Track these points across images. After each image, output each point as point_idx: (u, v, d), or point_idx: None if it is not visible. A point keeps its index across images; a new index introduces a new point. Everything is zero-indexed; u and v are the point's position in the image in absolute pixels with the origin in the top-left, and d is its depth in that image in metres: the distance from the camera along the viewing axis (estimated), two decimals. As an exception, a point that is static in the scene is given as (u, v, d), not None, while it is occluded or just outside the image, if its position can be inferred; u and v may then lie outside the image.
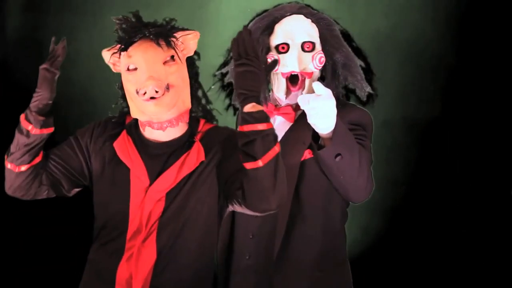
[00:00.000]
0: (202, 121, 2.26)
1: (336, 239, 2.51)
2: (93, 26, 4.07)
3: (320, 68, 2.49)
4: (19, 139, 2.30)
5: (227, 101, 2.68)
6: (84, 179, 2.30)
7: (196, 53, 2.24)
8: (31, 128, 2.26)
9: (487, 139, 4.04)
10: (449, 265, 4.08)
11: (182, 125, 2.22)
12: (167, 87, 2.13)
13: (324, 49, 2.49)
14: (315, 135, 2.29)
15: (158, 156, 2.20)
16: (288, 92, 2.49)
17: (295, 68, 2.45)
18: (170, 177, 2.17)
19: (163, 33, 2.16)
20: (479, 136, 4.05)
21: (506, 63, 4.01)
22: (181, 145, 2.21)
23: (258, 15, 2.58)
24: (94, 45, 4.08)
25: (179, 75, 2.17)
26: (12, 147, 2.31)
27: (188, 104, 2.20)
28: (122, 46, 2.16)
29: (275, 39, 2.49)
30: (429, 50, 4.10)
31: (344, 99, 2.56)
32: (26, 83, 4.17)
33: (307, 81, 2.47)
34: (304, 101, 2.20)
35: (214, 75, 2.65)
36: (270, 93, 2.58)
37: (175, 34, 2.18)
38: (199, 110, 2.26)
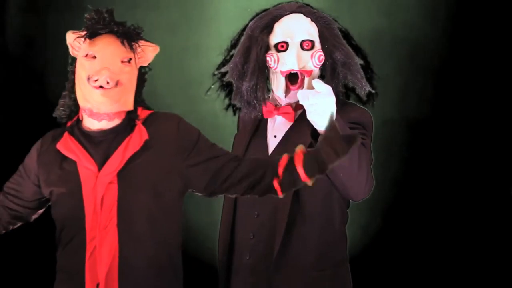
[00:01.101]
0: (139, 108, 2.35)
1: (336, 239, 2.51)
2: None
3: (319, 66, 2.49)
4: None
5: (226, 101, 2.68)
6: (42, 198, 2.39)
7: (148, 66, 2.36)
8: None
9: (487, 139, 4.04)
10: (449, 265, 4.07)
11: (117, 120, 2.31)
12: (117, 83, 2.23)
13: (323, 48, 2.49)
14: (315, 133, 2.29)
15: (102, 143, 2.29)
16: (287, 91, 2.49)
17: (294, 66, 2.45)
18: (117, 159, 2.25)
19: (129, 35, 2.28)
20: (479, 136, 4.04)
21: (506, 63, 4.01)
22: (122, 130, 2.30)
23: (257, 14, 2.58)
24: (94, 45, 4.10)
25: (130, 78, 2.27)
26: None
27: (129, 106, 2.30)
28: (89, 33, 2.26)
29: (274, 38, 2.49)
30: (429, 50, 4.09)
31: (344, 98, 2.56)
32: (26, 83, 4.18)
33: (306, 80, 2.47)
34: (304, 96, 2.20)
35: (214, 75, 2.66)
36: (270, 93, 2.59)
37: (139, 41, 2.30)
38: (134, 114, 2.35)
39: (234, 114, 2.69)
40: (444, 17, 4.08)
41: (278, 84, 2.50)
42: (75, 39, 2.29)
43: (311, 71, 2.48)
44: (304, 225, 2.44)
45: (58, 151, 2.31)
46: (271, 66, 2.49)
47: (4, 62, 4.14)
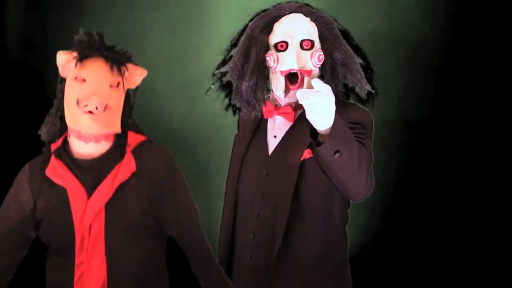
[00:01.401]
0: (130, 133, 2.37)
1: (336, 239, 2.51)
2: (93, 26, 4.07)
3: (319, 66, 2.49)
4: None
5: (226, 101, 2.68)
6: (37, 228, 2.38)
7: (135, 89, 2.39)
8: None
9: (487, 139, 4.04)
10: (449, 265, 4.08)
11: (105, 142, 2.33)
12: (105, 108, 2.26)
13: (323, 48, 2.49)
14: (314, 133, 2.29)
15: (91, 170, 2.30)
16: (287, 91, 2.49)
17: (293, 66, 2.45)
18: (106, 188, 2.28)
19: (118, 60, 2.31)
20: (479, 136, 4.05)
21: (506, 63, 4.01)
22: (112, 157, 2.32)
23: (257, 14, 2.58)
24: (94, 45, 4.10)
25: (118, 101, 2.31)
26: None
27: (117, 129, 2.32)
28: (80, 56, 2.28)
29: (274, 38, 2.49)
30: (429, 50, 4.10)
31: (344, 98, 2.55)
32: (26, 83, 4.18)
33: (306, 79, 2.46)
34: (303, 96, 2.19)
35: (214, 75, 2.65)
36: (270, 93, 2.58)
37: (127, 65, 2.33)
38: (123, 137, 2.37)
39: (234, 114, 2.69)
40: (444, 17, 4.08)
41: (277, 84, 2.50)
42: (66, 61, 2.30)
43: (311, 70, 2.47)
44: (304, 225, 2.44)
45: (47, 177, 2.31)
46: (270, 65, 2.49)
47: (4, 62, 4.14)
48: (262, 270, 2.46)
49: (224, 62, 2.63)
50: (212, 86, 2.66)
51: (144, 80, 2.39)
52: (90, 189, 2.27)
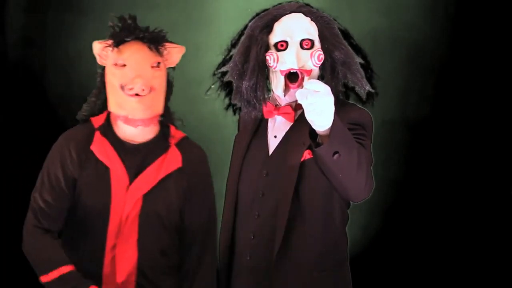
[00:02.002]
0: (171, 126, 2.40)
1: (336, 240, 2.51)
2: (93, 26, 4.07)
3: (319, 65, 2.49)
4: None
5: (226, 101, 2.68)
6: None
7: (173, 67, 2.40)
8: None
9: (487, 139, 4.04)
10: (449, 265, 4.08)
11: (152, 126, 2.33)
12: (150, 89, 2.27)
13: (323, 47, 2.49)
14: (313, 134, 2.29)
15: (135, 154, 2.31)
16: (286, 90, 2.49)
17: (293, 65, 2.45)
18: (150, 177, 2.29)
19: (155, 40, 2.31)
20: (479, 136, 4.05)
21: (506, 63, 4.01)
22: (156, 147, 2.33)
23: (257, 14, 2.58)
24: (94, 45, 4.10)
25: (161, 82, 2.32)
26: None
27: (161, 109, 2.34)
28: (116, 42, 2.21)
29: (274, 37, 2.49)
30: (429, 50, 4.10)
31: (344, 98, 2.55)
32: (26, 83, 4.18)
33: (306, 79, 2.46)
34: (303, 96, 2.19)
35: (214, 74, 2.65)
36: (270, 93, 2.59)
37: (164, 44, 2.33)
38: (166, 115, 2.40)
39: (234, 114, 2.69)
40: (444, 17, 4.09)
41: (277, 83, 2.50)
42: (102, 49, 2.29)
43: (311, 70, 2.47)
44: (304, 225, 2.44)
45: (92, 153, 2.30)
46: (270, 65, 2.49)
47: (4, 62, 4.14)
48: (262, 270, 2.46)
49: (224, 62, 2.63)
50: (212, 86, 2.66)
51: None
52: (133, 174, 2.27)
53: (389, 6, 4.08)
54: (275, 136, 2.54)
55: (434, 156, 4.09)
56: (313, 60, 2.47)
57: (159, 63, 2.27)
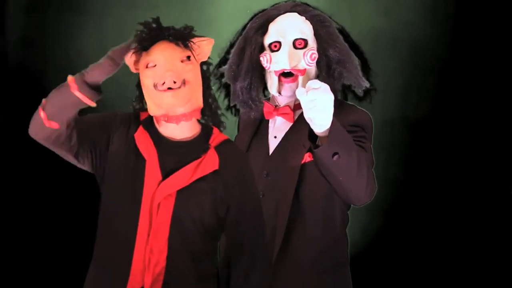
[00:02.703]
0: (214, 128, 2.37)
1: (336, 241, 2.51)
2: (93, 26, 4.07)
3: (312, 65, 2.48)
4: (61, 99, 2.36)
5: (226, 102, 2.69)
6: (95, 157, 2.37)
7: (208, 60, 2.36)
8: (79, 95, 2.31)
9: (487, 139, 4.04)
10: (449, 265, 4.08)
11: (195, 123, 2.33)
12: (184, 82, 2.25)
13: (318, 46, 2.49)
14: (312, 136, 2.29)
15: (172, 154, 2.30)
16: (280, 86, 2.50)
17: (285, 66, 2.45)
18: (183, 177, 2.28)
19: (181, 36, 2.30)
20: (479, 136, 4.05)
21: (507, 63, 4.01)
22: (195, 147, 2.31)
23: (255, 14, 2.59)
24: (94, 45, 4.10)
25: (194, 74, 2.29)
26: (50, 104, 2.37)
27: (200, 102, 2.32)
28: (143, 46, 2.30)
29: (268, 38, 2.50)
30: (429, 50, 4.09)
31: (342, 99, 2.55)
32: (26, 83, 4.18)
33: (300, 78, 2.46)
34: (302, 92, 2.19)
35: (213, 75, 2.65)
36: (270, 94, 2.59)
37: (192, 39, 2.31)
38: (209, 114, 2.37)
39: (235, 115, 2.69)
40: (444, 17, 4.08)
41: (272, 83, 2.52)
42: (132, 54, 2.31)
43: (304, 70, 2.47)
44: (305, 226, 2.44)
45: (133, 141, 2.33)
46: (264, 66, 2.50)
47: (4, 62, 4.14)
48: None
49: (222, 63, 2.63)
50: (213, 87, 2.66)
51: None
52: (167, 170, 2.28)
53: (389, 6, 4.08)
54: (275, 137, 2.54)
55: (434, 156, 4.08)
56: (305, 59, 2.46)
57: (188, 56, 2.28)
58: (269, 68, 2.48)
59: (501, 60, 4.01)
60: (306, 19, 2.50)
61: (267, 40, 2.50)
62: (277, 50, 2.47)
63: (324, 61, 2.48)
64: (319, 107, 2.17)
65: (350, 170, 2.27)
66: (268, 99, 2.60)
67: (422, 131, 4.09)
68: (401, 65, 4.08)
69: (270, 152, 2.53)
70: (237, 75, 2.53)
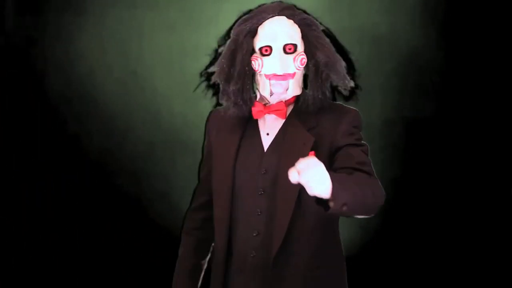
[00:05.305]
0: None
1: (334, 237, 2.56)
2: (93, 26, 4.08)
3: (301, 68, 2.54)
4: None
5: (214, 100, 2.72)
6: None
7: None
8: None
9: (487, 139, 4.05)
10: (449, 265, 4.08)
11: None
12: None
13: (306, 49, 2.53)
14: (318, 199, 2.28)
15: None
16: (270, 85, 2.53)
17: (277, 71, 2.52)
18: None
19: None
20: (479, 135, 4.05)
21: (506, 63, 4.01)
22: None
23: (241, 16, 2.62)
24: (94, 45, 4.11)
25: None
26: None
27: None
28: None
29: (258, 42, 2.54)
30: (428, 50, 4.10)
31: (331, 101, 2.59)
32: (26, 83, 4.19)
33: (290, 82, 2.52)
34: (295, 176, 2.19)
35: (201, 75, 2.72)
36: (257, 93, 2.62)
37: None
38: None
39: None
40: (444, 17, 4.09)
41: (263, 86, 2.56)
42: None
43: (294, 73, 2.53)
44: (303, 223, 2.46)
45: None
46: (256, 69, 2.54)
47: (4, 62, 4.14)
48: (268, 266, 2.48)
49: (211, 63, 2.68)
50: (201, 85, 2.71)
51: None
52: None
53: (389, 6, 4.09)
54: (268, 134, 2.57)
55: (434, 156, 4.09)
56: (295, 64, 2.53)
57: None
58: (260, 72, 2.53)
59: (501, 60, 4.02)
60: (294, 22, 2.55)
61: (258, 44, 2.54)
62: (268, 54, 2.53)
63: (312, 64, 2.54)
64: (317, 182, 2.18)
65: (360, 205, 2.32)
66: (254, 97, 2.63)
67: (421, 130, 4.10)
68: (400, 65, 4.09)
69: (265, 149, 2.56)
70: (230, 78, 2.57)
